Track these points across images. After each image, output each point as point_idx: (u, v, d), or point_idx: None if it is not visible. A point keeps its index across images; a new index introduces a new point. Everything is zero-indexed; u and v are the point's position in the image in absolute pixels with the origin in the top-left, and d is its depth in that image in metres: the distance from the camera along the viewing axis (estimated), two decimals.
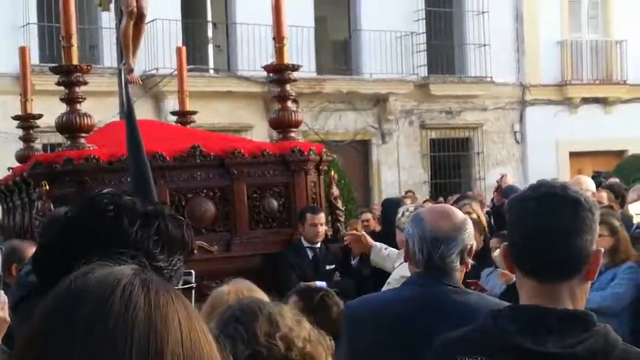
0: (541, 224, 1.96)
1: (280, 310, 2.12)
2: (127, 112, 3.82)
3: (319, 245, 6.81)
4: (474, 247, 2.93)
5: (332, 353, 2.18)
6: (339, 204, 7.18)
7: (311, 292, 3.64)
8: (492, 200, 10.40)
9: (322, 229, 6.77)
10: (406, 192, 15.34)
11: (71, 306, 0.98)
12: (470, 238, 2.86)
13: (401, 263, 4.73)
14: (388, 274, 5.26)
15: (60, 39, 6.53)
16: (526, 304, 1.98)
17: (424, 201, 12.77)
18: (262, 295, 2.69)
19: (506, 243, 2.06)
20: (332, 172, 7.45)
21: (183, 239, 1.66)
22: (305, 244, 6.76)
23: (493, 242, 6.65)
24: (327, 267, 6.81)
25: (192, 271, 1.81)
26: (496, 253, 5.73)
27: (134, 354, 0.94)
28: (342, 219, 7.23)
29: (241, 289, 2.74)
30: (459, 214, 2.93)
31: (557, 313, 1.92)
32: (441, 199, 14.45)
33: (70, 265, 1.13)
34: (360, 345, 2.79)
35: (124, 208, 1.61)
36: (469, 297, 2.79)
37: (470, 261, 2.87)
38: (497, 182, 10.16)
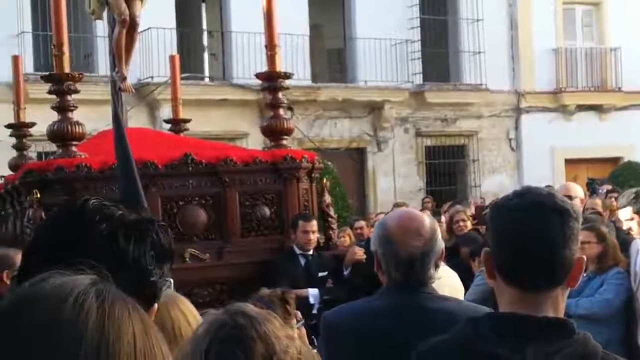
0: (530, 235, 1.92)
1: (274, 330, 2.08)
2: (115, 121, 3.83)
3: (311, 252, 6.80)
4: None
5: None
6: (331, 211, 7.16)
7: None
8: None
9: (314, 236, 6.76)
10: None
11: (23, 312, 0.97)
12: (441, 243, 2.80)
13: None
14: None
15: (52, 47, 6.52)
16: (505, 311, 1.96)
17: (421, 210, 12.77)
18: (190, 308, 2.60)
19: (487, 249, 2.01)
20: (325, 180, 7.45)
21: (170, 248, 1.62)
22: (298, 251, 6.76)
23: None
24: (320, 274, 6.81)
25: (171, 280, 1.79)
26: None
27: None
28: (334, 227, 7.22)
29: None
30: (426, 223, 2.80)
31: (537, 320, 1.89)
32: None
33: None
34: (338, 356, 2.75)
35: (117, 224, 1.51)
36: (446, 303, 2.76)
37: (441, 263, 2.83)
38: (475, 205, 10.17)
